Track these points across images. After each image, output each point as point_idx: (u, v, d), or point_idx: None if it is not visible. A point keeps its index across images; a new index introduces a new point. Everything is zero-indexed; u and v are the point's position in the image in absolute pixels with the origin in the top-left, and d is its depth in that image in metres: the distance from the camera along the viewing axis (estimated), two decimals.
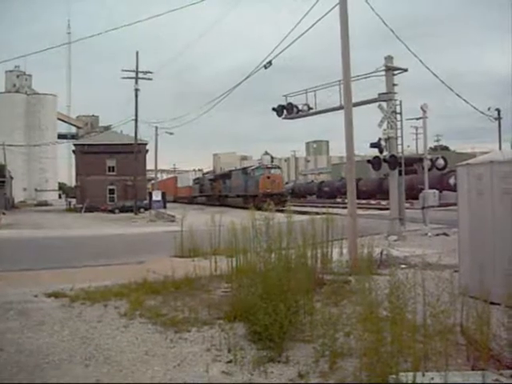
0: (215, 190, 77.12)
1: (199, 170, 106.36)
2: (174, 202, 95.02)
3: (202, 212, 41.12)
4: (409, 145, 65.70)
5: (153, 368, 6.60)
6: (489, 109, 45.57)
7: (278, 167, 67.80)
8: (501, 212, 9.29)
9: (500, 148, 50.38)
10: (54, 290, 11.49)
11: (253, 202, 48.45)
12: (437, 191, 26.37)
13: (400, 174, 23.81)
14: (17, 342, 7.79)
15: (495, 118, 51.66)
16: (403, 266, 13.12)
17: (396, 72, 23.72)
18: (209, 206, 65.59)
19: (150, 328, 8.49)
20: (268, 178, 57.75)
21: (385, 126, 23.50)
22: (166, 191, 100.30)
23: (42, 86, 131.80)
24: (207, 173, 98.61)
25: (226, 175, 73.34)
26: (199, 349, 7.35)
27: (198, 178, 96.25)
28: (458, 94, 25.83)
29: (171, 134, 60.79)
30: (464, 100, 26.75)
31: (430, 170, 26.49)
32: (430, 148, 75.66)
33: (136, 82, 53.64)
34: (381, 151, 23.93)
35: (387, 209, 26.76)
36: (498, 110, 53.88)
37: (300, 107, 27.31)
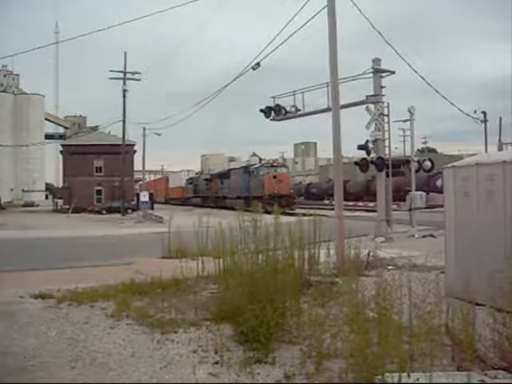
0: (211, 190, 71.78)
1: (188, 171, 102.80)
2: (166, 203, 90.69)
3: (195, 214, 40.95)
4: (396, 147, 65.94)
5: (139, 370, 6.59)
6: (475, 111, 45.91)
7: (284, 165, 61.90)
8: (486, 213, 9.36)
9: (486, 150, 50.79)
10: (40, 291, 11.42)
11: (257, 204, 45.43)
12: (424, 193, 26.54)
13: (387, 175, 23.93)
14: (2, 344, 7.74)
15: (481, 121, 52.02)
16: (390, 267, 13.19)
17: (384, 74, 23.85)
18: (205, 208, 59.75)
19: (136, 329, 8.48)
20: (274, 177, 51.89)
21: (372, 128, 23.63)
22: (156, 192, 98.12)
23: (30, 86, 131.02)
24: (199, 173, 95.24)
25: (224, 175, 67.75)
26: (186, 350, 7.34)
27: (191, 178, 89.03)
28: (444, 97, 26.00)
29: (159, 134, 60.68)
30: (450, 102, 26.95)
31: (417, 171, 26.66)
32: (418, 150, 76.09)
33: (124, 83, 53.49)
34: (368, 153, 24.06)
35: (374, 210, 26.87)
36: (484, 113, 54.27)
37: (288, 109, 27.39)
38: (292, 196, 51.87)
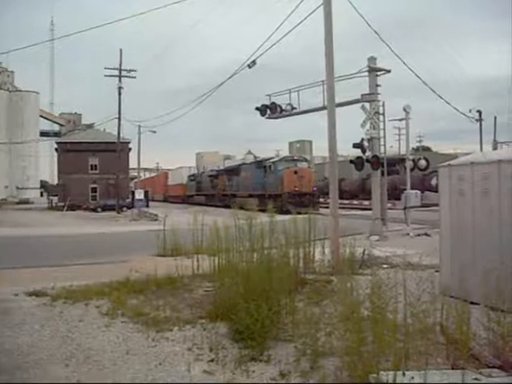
0: (217, 188, 64.70)
1: (189, 167, 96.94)
2: (165, 201, 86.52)
3: (190, 212, 40.88)
4: (391, 145, 65.98)
5: (134, 367, 6.58)
6: (470, 111, 45.90)
7: (306, 160, 53.32)
8: (481, 212, 9.38)
9: (481, 149, 50.85)
10: (35, 288, 11.40)
11: (275, 204, 39.63)
12: (419, 192, 26.55)
13: (382, 174, 23.98)
14: None
15: (476, 120, 52.03)
16: (385, 265, 13.21)
17: (379, 73, 23.88)
18: (211, 207, 52.81)
19: (131, 327, 8.46)
20: (295, 172, 45.30)
21: (368, 126, 23.67)
22: (154, 190, 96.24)
23: (25, 83, 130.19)
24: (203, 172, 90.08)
25: (233, 170, 60.66)
26: (181, 348, 7.34)
27: (193, 175, 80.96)
28: (439, 96, 26.06)
29: (154, 132, 60.49)
30: (446, 101, 27.01)
31: (412, 170, 26.68)
32: (413, 149, 76.04)
33: (119, 80, 53.41)
34: (363, 151, 24.09)
35: (369, 209, 26.93)
36: (480, 112, 54.27)
37: (283, 107, 27.47)
38: (315, 194, 45.54)
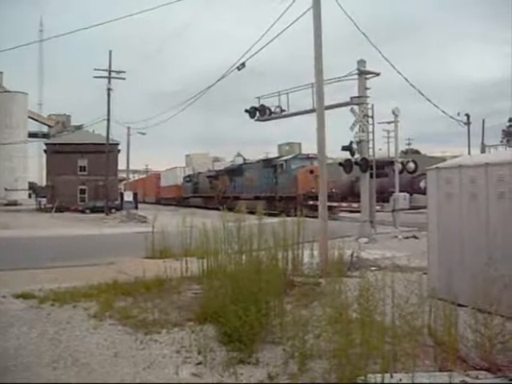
0: (217, 189, 59.68)
1: (184, 168, 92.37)
2: (157, 203, 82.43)
3: (181, 214, 40.78)
4: (380, 148, 65.93)
5: (122, 370, 6.56)
6: (458, 114, 46.26)
7: None
8: (469, 215, 9.43)
9: (469, 152, 51.20)
10: (22, 290, 11.33)
11: (288, 207, 36.65)
12: (407, 194, 26.72)
13: (371, 176, 24.06)
14: None
15: (465, 123, 52.38)
16: (373, 268, 13.23)
17: (368, 76, 23.97)
18: (209, 210, 47.54)
19: (119, 329, 8.43)
20: (311, 172, 40.29)
21: (356, 129, 23.78)
22: (145, 192, 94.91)
23: (14, 84, 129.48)
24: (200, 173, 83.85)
25: (236, 170, 56.04)
26: (169, 350, 7.33)
27: (190, 175, 75.96)
28: (428, 99, 26.21)
29: (143, 134, 60.33)
30: (434, 105, 27.18)
31: (400, 173, 26.83)
32: (401, 151, 76.18)
33: (109, 82, 53.22)
34: (352, 154, 24.22)
35: (358, 211, 26.99)
36: (468, 116, 54.68)
37: (273, 109, 27.49)
38: (333, 196, 37.30)
